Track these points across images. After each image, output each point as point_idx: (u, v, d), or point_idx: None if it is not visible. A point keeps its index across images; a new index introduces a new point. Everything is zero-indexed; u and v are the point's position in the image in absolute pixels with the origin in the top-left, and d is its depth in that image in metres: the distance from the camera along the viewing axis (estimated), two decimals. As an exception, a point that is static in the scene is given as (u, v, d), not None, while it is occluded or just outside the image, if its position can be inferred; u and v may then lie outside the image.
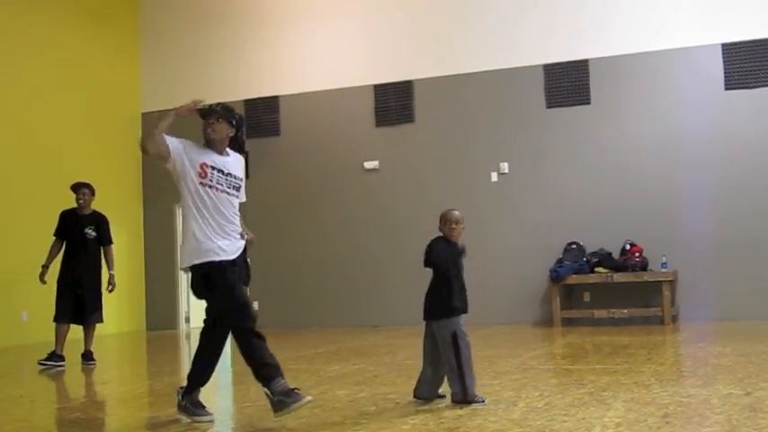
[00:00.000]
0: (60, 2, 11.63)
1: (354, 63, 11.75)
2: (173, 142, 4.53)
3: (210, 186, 4.55)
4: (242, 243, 4.66)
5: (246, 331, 4.43)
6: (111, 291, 8.05)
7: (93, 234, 8.04)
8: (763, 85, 9.94)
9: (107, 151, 12.13)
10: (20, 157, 10.67)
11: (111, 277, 8.03)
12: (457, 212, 5.03)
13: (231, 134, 4.71)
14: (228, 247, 4.54)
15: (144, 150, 4.54)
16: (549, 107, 10.80)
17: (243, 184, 4.78)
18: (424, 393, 4.90)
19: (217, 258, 4.48)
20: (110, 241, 8.16)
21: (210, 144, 4.65)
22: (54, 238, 8.09)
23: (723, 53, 10.08)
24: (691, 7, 10.27)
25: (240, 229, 4.68)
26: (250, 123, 12.02)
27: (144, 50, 12.98)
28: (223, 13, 12.52)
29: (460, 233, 5.03)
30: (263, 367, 4.40)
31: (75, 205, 8.09)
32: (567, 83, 10.72)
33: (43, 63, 11.21)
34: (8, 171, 10.51)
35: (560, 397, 4.96)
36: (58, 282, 8.01)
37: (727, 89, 10.07)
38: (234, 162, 4.74)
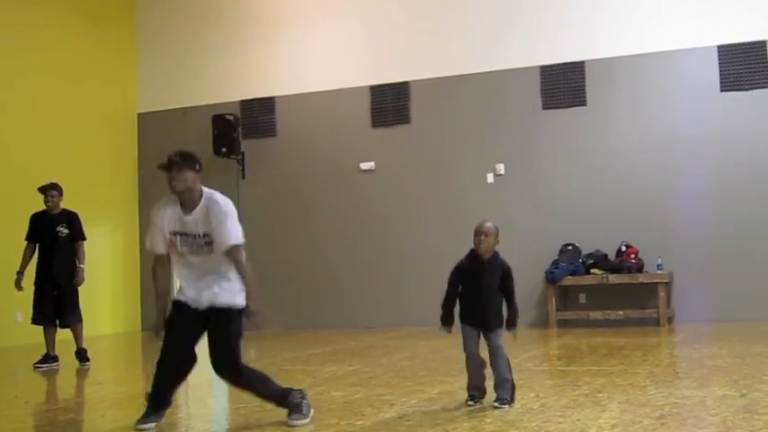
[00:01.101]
0: (57, 1, 11.60)
1: (351, 64, 11.74)
2: (159, 246, 4.52)
3: (178, 254, 4.54)
4: (214, 292, 4.46)
5: None
6: (77, 284, 7.98)
7: (66, 232, 7.98)
8: (759, 87, 9.95)
9: (103, 151, 12.09)
10: (14, 157, 10.63)
11: (80, 270, 7.96)
12: (488, 224, 4.72)
13: (198, 174, 4.45)
14: (193, 295, 4.51)
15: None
16: (545, 108, 10.80)
17: (220, 231, 4.39)
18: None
19: (181, 299, 4.53)
20: (83, 237, 8.09)
21: (180, 196, 4.46)
22: (26, 242, 8.06)
23: (719, 55, 10.10)
24: (687, 9, 10.28)
25: (226, 277, 4.49)
26: (246, 124, 12.02)
27: (140, 50, 12.95)
28: (220, 14, 12.51)
29: (490, 246, 4.73)
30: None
31: (44, 207, 8.04)
32: (564, 84, 10.72)
33: (39, 61, 11.15)
34: (3, 170, 10.48)
35: (556, 398, 4.97)
36: (35, 283, 7.99)
37: (722, 91, 10.08)
38: (197, 219, 4.44)
